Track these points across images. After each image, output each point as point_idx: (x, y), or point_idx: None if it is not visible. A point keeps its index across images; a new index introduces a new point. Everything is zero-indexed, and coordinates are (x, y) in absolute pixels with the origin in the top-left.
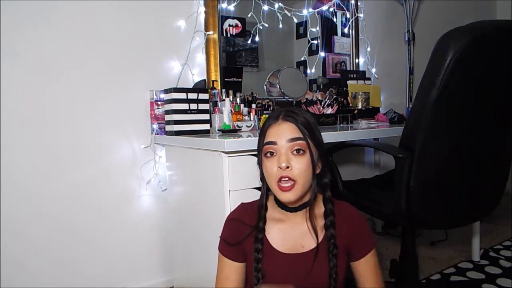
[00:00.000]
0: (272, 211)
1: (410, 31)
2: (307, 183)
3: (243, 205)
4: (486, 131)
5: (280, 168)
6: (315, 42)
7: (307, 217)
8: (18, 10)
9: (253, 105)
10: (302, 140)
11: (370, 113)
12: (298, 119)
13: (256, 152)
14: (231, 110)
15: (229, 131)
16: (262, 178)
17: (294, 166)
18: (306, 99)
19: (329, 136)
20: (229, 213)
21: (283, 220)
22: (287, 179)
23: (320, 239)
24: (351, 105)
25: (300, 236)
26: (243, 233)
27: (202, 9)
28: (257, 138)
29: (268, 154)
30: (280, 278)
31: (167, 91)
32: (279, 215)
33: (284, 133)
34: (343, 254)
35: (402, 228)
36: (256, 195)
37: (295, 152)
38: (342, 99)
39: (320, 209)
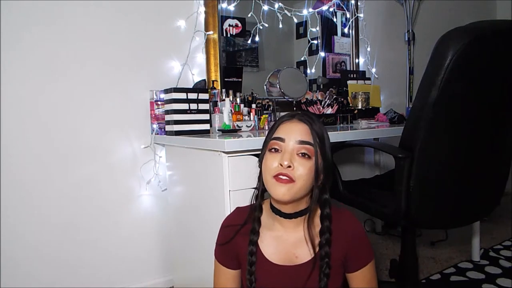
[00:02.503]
0: (266, 216)
1: (410, 31)
2: (304, 188)
3: (238, 209)
4: (486, 131)
5: (281, 165)
6: (315, 42)
7: (305, 227)
8: (18, 10)
9: (253, 105)
10: (311, 145)
11: (370, 113)
12: (313, 124)
13: (257, 152)
14: (231, 110)
15: (229, 131)
16: (260, 178)
17: (296, 166)
18: (306, 99)
19: (329, 136)
20: (227, 214)
21: (277, 228)
22: (286, 177)
23: (313, 254)
24: (351, 105)
25: (294, 245)
26: (237, 239)
27: (202, 9)
28: (256, 138)
29: (273, 150)
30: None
31: (167, 91)
32: (273, 222)
33: (295, 133)
34: (339, 267)
35: (402, 228)
36: None
37: (300, 154)
38: (342, 99)
39: (318, 220)
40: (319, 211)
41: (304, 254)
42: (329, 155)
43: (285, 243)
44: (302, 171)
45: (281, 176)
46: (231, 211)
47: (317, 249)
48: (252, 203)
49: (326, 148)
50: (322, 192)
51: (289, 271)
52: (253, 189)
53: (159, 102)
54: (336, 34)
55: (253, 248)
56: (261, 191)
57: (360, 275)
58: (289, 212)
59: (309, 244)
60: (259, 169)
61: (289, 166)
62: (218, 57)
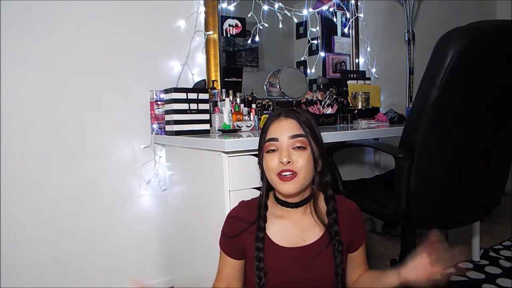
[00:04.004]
0: (273, 208)
1: (410, 31)
2: (307, 177)
3: (243, 202)
4: (486, 131)
5: (282, 163)
6: (315, 42)
7: (312, 210)
8: (18, 10)
9: (253, 105)
10: (303, 137)
11: (370, 113)
12: (299, 117)
13: (256, 152)
14: (231, 110)
15: (229, 131)
16: (263, 177)
17: (295, 160)
18: (306, 99)
19: (329, 136)
20: (229, 211)
21: (283, 216)
22: (288, 173)
23: (320, 235)
24: (351, 105)
25: (301, 231)
26: (243, 234)
27: (202, 9)
28: (257, 138)
29: (270, 151)
30: (283, 273)
31: (167, 91)
32: (280, 212)
33: (285, 130)
34: (346, 248)
35: (402, 228)
36: (255, 195)
37: (296, 148)
38: (342, 99)
39: (321, 205)
40: (322, 195)
41: (311, 237)
42: (321, 141)
43: (293, 230)
44: (302, 162)
45: (284, 173)
46: (236, 205)
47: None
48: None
49: (317, 135)
50: (322, 176)
51: (297, 252)
52: (254, 189)
53: (159, 102)
54: (336, 34)
55: (260, 244)
56: (266, 190)
57: (360, 252)
58: (295, 202)
59: (319, 223)
60: (259, 170)
61: (289, 162)
62: (218, 57)
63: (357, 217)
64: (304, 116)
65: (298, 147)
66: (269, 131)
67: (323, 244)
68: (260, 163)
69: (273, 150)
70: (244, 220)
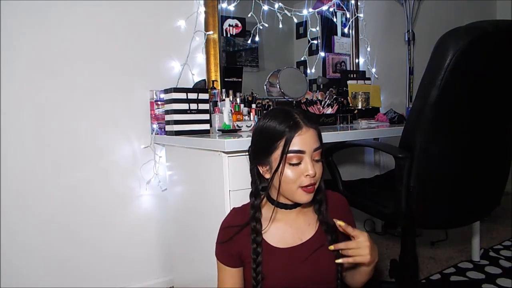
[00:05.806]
0: (266, 212)
1: (410, 31)
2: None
3: (235, 209)
4: (486, 131)
5: (308, 175)
6: (315, 42)
7: (317, 210)
8: (18, 10)
9: (253, 105)
10: (321, 148)
11: (370, 113)
12: (316, 123)
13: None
14: (231, 110)
15: (229, 131)
16: (254, 181)
17: (316, 171)
18: (306, 99)
19: (329, 136)
20: (226, 215)
21: (278, 219)
22: (311, 186)
23: (315, 231)
24: (351, 105)
25: (297, 231)
26: (237, 237)
27: (202, 9)
28: None
29: (294, 162)
30: (283, 274)
31: (167, 91)
32: (274, 215)
33: (310, 142)
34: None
35: (402, 228)
36: None
37: (315, 160)
38: (342, 99)
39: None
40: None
41: (307, 233)
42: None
43: (289, 231)
44: (319, 172)
45: (309, 186)
46: (228, 213)
47: (316, 225)
48: (250, 203)
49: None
50: None
51: (295, 251)
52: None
53: (159, 102)
54: (336, 34)
55: (258, 249)
56: (259, 192)
57: None
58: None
59: (316, 220)
60: (253, 173)
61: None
62: (218, 57)
63: (346, 209)
64: (315, 121)
65: (317, 160)
66: (294, 142)
67: (319, 239)
68: (254, 168)
69: (298, 163)
70: (237, 226)
